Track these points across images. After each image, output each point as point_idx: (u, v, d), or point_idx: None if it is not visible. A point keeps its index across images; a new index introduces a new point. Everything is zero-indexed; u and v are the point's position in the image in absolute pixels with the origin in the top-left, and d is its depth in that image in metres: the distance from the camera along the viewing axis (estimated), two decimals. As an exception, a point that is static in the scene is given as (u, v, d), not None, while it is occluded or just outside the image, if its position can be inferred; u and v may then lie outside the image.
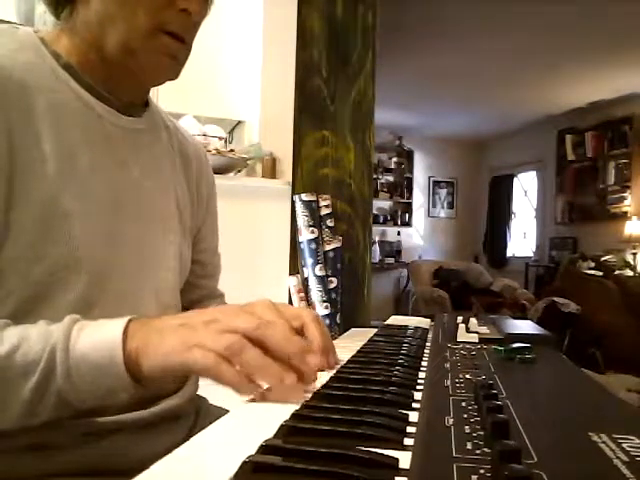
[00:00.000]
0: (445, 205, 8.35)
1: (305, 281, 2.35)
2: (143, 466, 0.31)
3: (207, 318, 0.50)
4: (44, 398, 0.48)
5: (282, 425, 0.37)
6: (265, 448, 0.33)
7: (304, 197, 2.34)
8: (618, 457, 0.31)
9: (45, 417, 0.49)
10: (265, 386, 0.48)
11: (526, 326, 0.83)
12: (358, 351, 0.67)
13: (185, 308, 0.81)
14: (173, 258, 0.75)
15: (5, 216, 0.55)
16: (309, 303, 2.32)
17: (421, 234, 8.19)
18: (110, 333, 0.49)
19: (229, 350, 0.46)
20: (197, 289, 0.88)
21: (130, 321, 0.50)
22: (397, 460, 0.32)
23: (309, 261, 2.32)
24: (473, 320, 0.84)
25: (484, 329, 0.78)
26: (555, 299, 3.87)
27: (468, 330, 0.78)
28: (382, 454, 0.32)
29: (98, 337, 0.49)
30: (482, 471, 0.29)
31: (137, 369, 0.49)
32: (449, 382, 0.50)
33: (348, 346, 0.72)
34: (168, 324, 0.51)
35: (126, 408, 0.60)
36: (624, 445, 0.33)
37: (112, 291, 0.63)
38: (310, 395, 0.46)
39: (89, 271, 0.60)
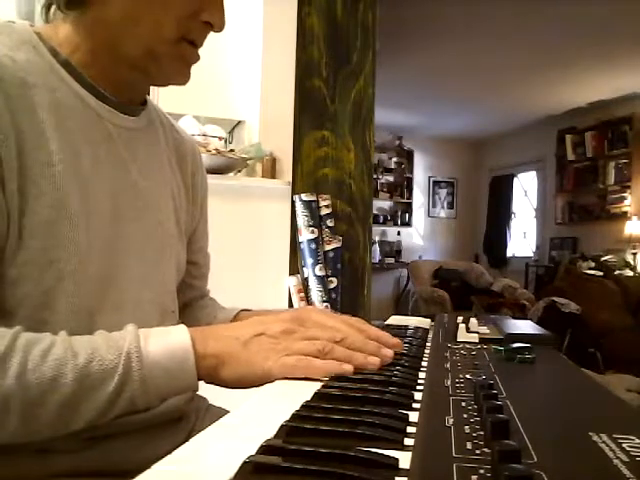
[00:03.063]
0: (445, 205, 8.35)
1: (305, 281, 2.35)
2: (144, 467, 0.31)
3: (282, 328, 0.56)
4: (117, 403, 0.50)
5: (282, 425, 0.37)
6: (265, 448, 0.33)
7: (304, 197, 2.34)
8: (618, 457, 0.31)
9: (108, 420, 0.51)
10: None
11: (526, 326, 0.83)
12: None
13: (180, 309, 0.80)
14: (171, 261, 0.74)
15: (19, 222, 0.54)
16: (309, 303, 2.32)
17: (421, 234, 8.19)
18: (179, 340, 0.53)
19: (321, 353, 0.53)
20: (191, 289, 0.88)
21: (189, 328, 0.55)
22: (397, 460, 0.32)
23: (309, 261, 2.32)
24: (473, 320, 0.84)
25: (484, 329, 0.78)
26: (555, 299, 3.87)
27: (468, 330, 0.77)
28: (382, 454, 0.32)
29: (168, 344, 0.52)
30: (482, 471, 0.29)
31: (213, 375, 0.54)
32: (449, 382, 0.50)
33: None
34: (244, 334, 0.55)
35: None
36: (624, 445, 0.33)
37: (114, 297, 0.62)
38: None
39: (93, 277, 0.59)
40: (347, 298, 2.49)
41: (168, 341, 0.52)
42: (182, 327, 0.54)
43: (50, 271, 0.56)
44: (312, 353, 0.53)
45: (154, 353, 0.51)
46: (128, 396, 0.50)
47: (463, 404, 0.42)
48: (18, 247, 0.54)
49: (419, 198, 8.17)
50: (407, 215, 7.99)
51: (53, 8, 0.63)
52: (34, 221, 0.55)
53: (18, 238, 0.54)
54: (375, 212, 7.15)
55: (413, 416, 0.40)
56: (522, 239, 7.73)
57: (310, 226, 2.32)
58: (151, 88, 0.75)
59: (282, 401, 0.46)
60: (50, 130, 0.58)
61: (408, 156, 7.95)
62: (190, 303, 0.88)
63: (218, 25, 0.65)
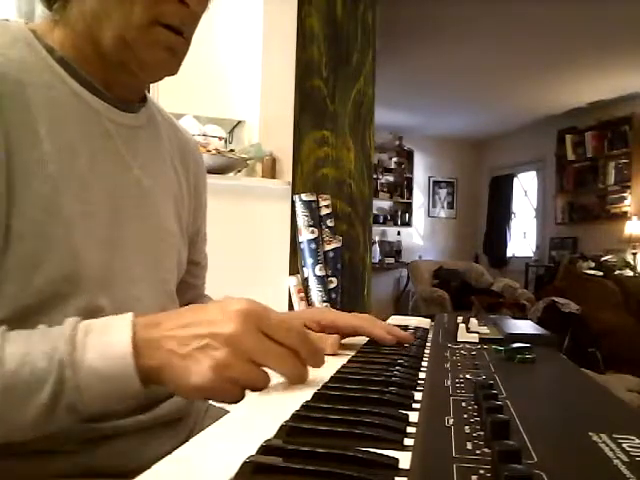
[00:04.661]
0: (445, 205, 8.35)
1: (305, 281, 2.35)
2: (144, 467, 0.31)
3: (230, 332, 0.47)
4: (54, 412, 0.46)
5: (282, 425, 0.37)
6: (265, 448, 0.33)
7: (304, 197, 2.34)
8: (618, 457, 0.31)
9: (57, 427, 0.48)
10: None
11: (526, 326, 0.83)
12: (358, 351, 0.67)
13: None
14: (172, 260, 0.74)
15: (6, 223, 0.53)
16: (309, 303, 2.32)
17: (421, 234, 8.19)
18: (118, 345, 0.47)
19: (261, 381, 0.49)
20: (192, 289, 0.88)
21: (135, 326, 0.48)
22: (397, 460, 0.32)
23: (309, 261, 2.32)
24: (473, 320, 0.84)
25: (484, 329, 0.78)
26: (555, 299, 3.86)
27: (468, 330, 0.77)
28: (382, 454, 0.32)
29: (106, 348, 0.47)
30: (482, 471, 0.29)
31: (155, 382, 0.48)
32: (449, 382, 0.49)
33: (348, 345, 0.72)
34: (188, 340, 0.47)
35: (126, 413, 0.59)
36: (624, 445, 0.33)
37: (114, 298, 0.61)
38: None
39: (90, 279, 0.58)
40: (347, 298, 2.49)
41: (107, 344, 0.47)
42: (125, 326, 0.48)
43: (40, 274, 0.54)
44: (253, 379, 0.47)
45: (92, 360, 0.46)
46: (65, 406, 0.46)
47: (463, 404, 0.42)
48: (5, 249, 0.53)
49: (419, 198, 8.17)
50: (407, 215, 7.99)
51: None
52: (22, 223, 0.54)
53: (5, 240, 0.53)
54: (375, 212, 7.15)
55: (413, 416, 0.40)
56: (522, 239, 7.73)
57: (310, 226, 2.33)
58: (151, 87, 0.74)
59: (282, 401, 0.46)
60: (44, 128, 0.57)
61: (408, 156, 7.94)
62: (190, 303, 0.88)
63: (193, 2, 0.61)
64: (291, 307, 2.34)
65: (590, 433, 0.35)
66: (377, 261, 7.22)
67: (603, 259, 5.01)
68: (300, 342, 0.50)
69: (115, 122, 0.65)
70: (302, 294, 2.34)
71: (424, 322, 0.95)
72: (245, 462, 0.30)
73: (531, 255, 7.39)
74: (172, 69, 0.64)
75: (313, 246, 2.32)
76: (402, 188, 7.92)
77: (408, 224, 8.00)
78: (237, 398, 0.47)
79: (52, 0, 0.61)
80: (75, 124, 0.60)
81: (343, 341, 0.74)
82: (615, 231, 6.01)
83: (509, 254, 7.81)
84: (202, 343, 0.46)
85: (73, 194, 0.58)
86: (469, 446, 0.33)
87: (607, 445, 0.33)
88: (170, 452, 0.34)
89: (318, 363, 0.52)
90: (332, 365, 0.57)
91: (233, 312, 0.47)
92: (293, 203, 2.37)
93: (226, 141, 2.35)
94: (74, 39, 0.62)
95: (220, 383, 0.46)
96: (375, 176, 7.12)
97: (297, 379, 0.50)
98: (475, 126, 7.52)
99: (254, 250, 2.29)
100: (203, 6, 0.63)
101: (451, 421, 0.38)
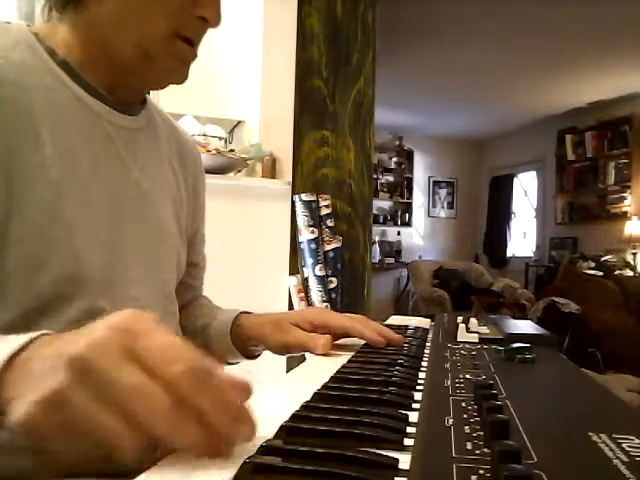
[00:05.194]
0: (445, 205, 8.35)
1: (305, 281, 2.35)
2: (145, 468, 0.31)
3: (77, 353, 0.32)
4: None
5: (282, 425, 0.36)
6: (265, 448, 0.33)
7: (304, 197, 2.34)
8: (618, 457, 0.31)
9: None
10: None
11: (526, 326, 0.83)
12: (358, 351, 0.67)
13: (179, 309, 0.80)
14: (172, 262, 0.74)
15: (4, 226, 0.53)
16: (309, 303, 2.32)
17: (421, 234, 8.19)
18: None
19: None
20: (190, 290, 0.88)
21: (28, 345, 0.35)
22: (397, 460, 0.32)
23: (309, 261, 2.32)
24: (473, 320, 0.84)
25: (484, 329, 0.78)
26: (555, 299, 3.86)
27: (468, 330, 0.77)
28: (382, 454, 0.32)
29: None
30: (482, 471, 0.29)
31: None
32: (449, 382, 0.49)
33: (348, 345, 0.72)
34: (53, 364, 0.32)
35: None
36: (624, 445, 0.33)
37: (115, 299, 0.61)
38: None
39: (92, 280, 0.58)
40: (347, 298, 2.49)
41: None
42: (7, 347, 0.35)
43: (42, 276, 0.54)
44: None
45: None
46: None
47: (463, 404, 0.42)
48: (3, 253, 0.53)
49: (419, 198, 8.17)
50: (407, 215, 8.00)
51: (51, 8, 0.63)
52: (23, 226, 0.54)
53: (3, 243, 0.53)
54: (375, 212, 7.15)
55: (413, 416, 0.40)
56: (522, 239, 7.73)
57: (310, 226, 2.32)
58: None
59: (281, 401, 0.46)
60: (46, 132, 0.57)
61: (408, 156, 7.94)
62: (188, 304, 0.88)
63: (213, 20, 0.63)
64: (291, 307, 2.34)
65: (590, 433, 0.35)
66: (377, 261, 7.22)
67: (603, 259, 5.01)
68: (198, 384, 0.32)
69: (116, 125, 0.66)
70: (302, 294, 2.34)
71: (424, 322, 0.95)
72: (245, 462, 0.30)
73: (531, 255, 7.39)
74: (182, 78, 0.66)
75: (313, 246, 2.32)
76: (402, 188, 7.92)
77: (408, 224, 8.00)
78: (82, 456, 0.32)
79: (65, 2, 0.60)
80: (76, 127, 0.61)
81: (340, 342, 0.75)
82: (615, 231, 6.01)
83: (509, 254, 7.81)
84: (48, 365, 0.32)
85: (75, 198, 0.58)
86: (469, 446, 0.33)
87: (607, 445, 0.33)
88: (170, 452, 0.34)
89: (235, 429, 0.32)
90: (332, 365, 0.57)
91: (99, 325, 0.34)
92: (293, 203, 2.37)
93: (226, 141, 2.35)
94: (80, 42, 0.62)
95: (47, 426, 0.31)
96: (375, 176, 7.12)
97: (180, 442, 0.32)
98: (475, 126, 7.52)
99: (254, 250, 2.29)
100: (220, 22, 0.65)
101: (451, 421, 0.38)
